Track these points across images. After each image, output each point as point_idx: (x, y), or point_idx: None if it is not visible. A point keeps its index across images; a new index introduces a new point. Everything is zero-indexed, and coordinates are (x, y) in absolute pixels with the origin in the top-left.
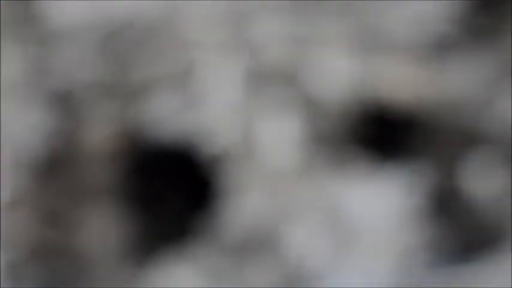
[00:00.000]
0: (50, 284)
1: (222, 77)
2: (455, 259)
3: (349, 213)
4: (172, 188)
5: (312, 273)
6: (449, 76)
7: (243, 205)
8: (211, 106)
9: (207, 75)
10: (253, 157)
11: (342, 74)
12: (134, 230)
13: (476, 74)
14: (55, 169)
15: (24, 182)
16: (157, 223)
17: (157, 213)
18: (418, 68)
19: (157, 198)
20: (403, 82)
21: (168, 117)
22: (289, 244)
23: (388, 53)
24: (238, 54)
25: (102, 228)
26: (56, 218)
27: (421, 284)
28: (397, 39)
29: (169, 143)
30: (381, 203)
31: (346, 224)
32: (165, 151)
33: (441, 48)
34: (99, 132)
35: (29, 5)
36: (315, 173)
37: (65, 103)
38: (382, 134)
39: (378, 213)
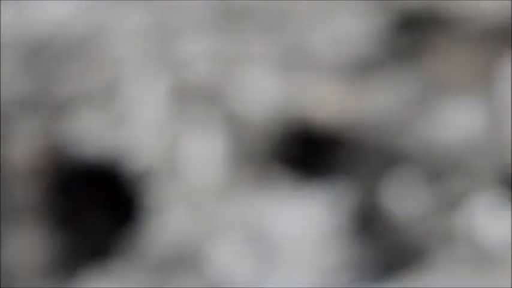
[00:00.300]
0: None
1: (147, 94)
2: (377, 277)
3: (273, 232)
4: (97, 205)
5: None
6: (372, 96)
7: (167, 222)
8: (135, 123)
9: (131, 92)
10: (177, 175)
11: (266, 92)
12: (58, 246)
13: (399, 93)
14: None
15: None
16: (82, 240)
17: (82, 230)
18: (342, 87)
19: (82, 215)
20: (327, 101)
21: (92, 133)
22: (213, 261)
23: (312, 72)
24: (163, 71)
25: (26, 245)
26: None
27: None
28: (321, 58)
29: (93, 159)
30: (304, 221)
31: (270, 242)
32: (89, 168)
33: (365, 67)
34: (23, 149)
35: None
36: (239, 191)
37: None
38: (306, 152)
39: (301, 231)
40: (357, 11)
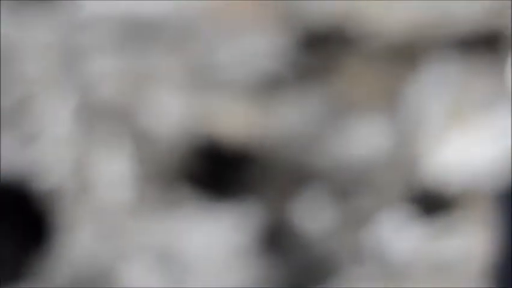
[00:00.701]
0: None
1: (55, 113)
2: None
3: (182, 251)
4: (5, 225)
5: None
6: (279, 113)
7: (76, 243)
8: (43, 141)
9: (40, 111)
10: (86, 194)
11: (173, 110)
12: None
13: (305, 111)
14: None
15: None
16: None
17: None
18: (248, 105)
19: None
20: (234, 119)
21: (1, 152)
22: (123, 282)
23: (219, 90)
24: (71, 89)
25: None
26: None
27: None
28: (228, 76)
29: (1, 179)
30: (212, 240)
31: (179, 262)
32: None
33: (271, 85)
34: None
35: None
36: (147, 210)
37: None
38: (213, 171)
39: (209, 251)
40: (262, 29)
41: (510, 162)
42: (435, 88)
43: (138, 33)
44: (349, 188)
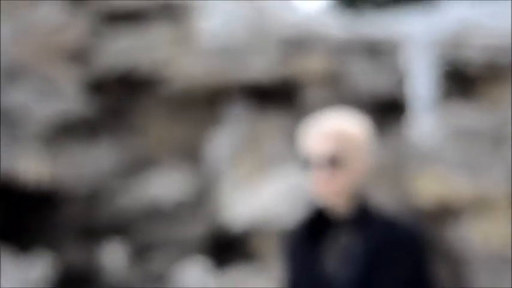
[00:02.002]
0: None
1: None
2: None
3: None
4: None
5: None
6: (73, 161)
7: None
8: None
9: None
10: None
11: None
12: None
13: (103, 159)
14: None
15: None
16: None
17: None
18: (41, 153)
19: None
20: (26, 164)
21: None
22: None
23: (16, 140)
24: None
25: None
26: None
27: None
28: (19, 119)
29: None
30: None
31: None
32: None
33: (64, 131)
34: None
35: None
36: None
37: None
38: (10, 223)
39: None
40: (55, 73)
41: (296, 207)
42: (232, 139)
43: None
44: (149, 239)
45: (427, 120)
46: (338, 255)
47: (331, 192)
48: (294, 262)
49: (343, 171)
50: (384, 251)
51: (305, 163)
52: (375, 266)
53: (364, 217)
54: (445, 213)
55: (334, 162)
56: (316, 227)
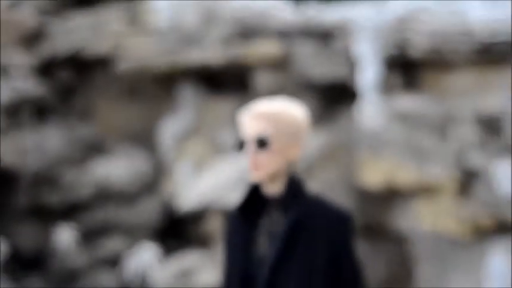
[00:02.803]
0: None
1: None
2: None
3: None
4: None
5: None
6: (38, 139)
7: None
8: None
9: None
10: None
11: None
12: None
13: (64, 138)
14: None
15: None
16: None
17: None
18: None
19: None
20: None
21: None
22: None
23: None
24: None
25: None
26: None
27: None
28: None
29: None
30: None
31: None
32: None
33: (28, 109)
34: None
35: None
36: None
37: None
38: None
39: None
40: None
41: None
42: (183, 122)
43: None
44: (100, 222)
45: (373, 105)
46: (268, 234)
47: (262, 172)
48: (232, 242)
49: (272, 152)
50: (305, 231)
51: (241, 143)
52: (293, 244)
53: (292, 197)
54: (393, 196)
55: (263, 142)
56: (252, 207)
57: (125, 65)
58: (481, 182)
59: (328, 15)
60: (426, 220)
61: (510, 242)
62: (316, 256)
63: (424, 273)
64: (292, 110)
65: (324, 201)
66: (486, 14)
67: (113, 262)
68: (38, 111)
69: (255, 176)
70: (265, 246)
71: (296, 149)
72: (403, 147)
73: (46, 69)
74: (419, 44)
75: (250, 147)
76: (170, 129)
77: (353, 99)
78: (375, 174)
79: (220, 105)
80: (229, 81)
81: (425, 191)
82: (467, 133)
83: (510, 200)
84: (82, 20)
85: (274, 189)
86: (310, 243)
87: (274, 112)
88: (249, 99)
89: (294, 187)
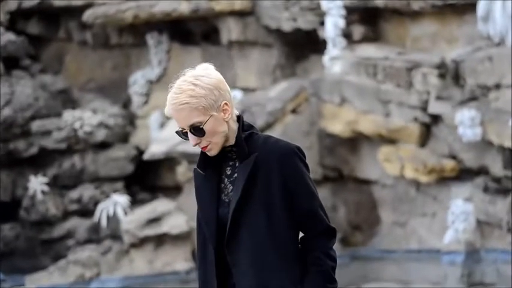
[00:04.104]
0: None
1: None
2: None
3: None
4: None
5: None
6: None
7: None
8: None
9: None
10: None
11: None
12: None
13: (17, 96)
14: None
15: None
16: None
17: None
18: None
19: None
20: None
21: None
22: None
23: None
24: None
25: None
26: None
27: None
28: None
29: None
30: None
31: None
32: None
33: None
34: None
35: None
36: None
37: None
38: None
39: None
40: None
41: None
42: (152, 71)
43: None
44: (70, 172)
45: (338, 54)
46: (231, 180)
47: (213, 148)
48: (201, 195)
49: (211, 129)
50: (260, 171)
51: (183, 133)
52: (252, 185)
53: (244, 144)
54: (358, 143)
55: (198, 129)
56: (212, 161)
57: (92, 15)
58: (444, 129)
59: None
60: (391, 166)
61: (472, 186)
62: (272, 191)
63: (390, 217)
64: (203, 82)
65: (273, 140)
66: None
67: (85, 210)
68: (7, 62)
69: (211, 154)
70: (229, 190)
71: (228, 108)
72: (367, 95)
73: (14, 21)
74: None
75: (191, 136)
76: (140, 79)
77: (320, 48)
78: (340, 121)
79: (188, 55)
80: (196, 31)
81: (390, 138)
82: (430, 82)
83: (471, 145)
84: None
85: (228, 143)
86: (266, 180)
87: (191, 95)
88: (216, 49)
89: (245, 136)
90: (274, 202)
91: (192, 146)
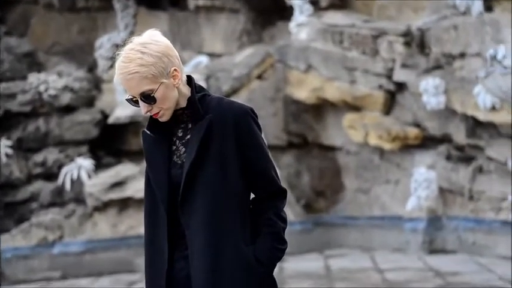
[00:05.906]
0: None
1: None
2: None
3: None
4: None
5: None
6: None
7: None
8: None
9: None
10: None
11: None
12: None
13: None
14: None
15: None
16: None
17: None
18: None
19: None
20: None
21: None
22: None
23: None
24: None
25: None
26: None
27: None
28: None
29: None
30: None
31: None
32: None
33: None
34: None
35: None
36: None
37: None
38: None
39: None
40: None
41: None
42: (119, 39)
43: None
44: (36, 135)
45: (305, 21)
46: (183, 142)
47: (165, 114)
48: (151, 157)
49: (162, 96)
50: (213, 132)
51: (133, 101)
52: (205, 147)
53: (197, 106)
54: (323, 109)
55: (148, 97)
56: (161, 124)
57: None
58: (409, 97)
59: None
60: (355, 133)
61: (435, 153)
62: (227, 152)
63: (353, 184)
64: (152, 49)
65: (226, 102)
66: None
67: (49, 173)
68: None
69: (163, 120)
70: (182, 152)
71: (178, 73)
72: (333, 62)
73: None
74: None
75: (142, 104)
76: (106, 43)
77: (287, 15)
78: (306, 88)
79: (155, 20)
80: None
81: (355, 105)
82: (396, 49)
83: (435, 114)
84: None
85: (179, 106)
86: (220, 141)
87: (140, 63)
88: (183, 14)
89: (198, 97)
90: (228, 163)
91: (143, 113)
